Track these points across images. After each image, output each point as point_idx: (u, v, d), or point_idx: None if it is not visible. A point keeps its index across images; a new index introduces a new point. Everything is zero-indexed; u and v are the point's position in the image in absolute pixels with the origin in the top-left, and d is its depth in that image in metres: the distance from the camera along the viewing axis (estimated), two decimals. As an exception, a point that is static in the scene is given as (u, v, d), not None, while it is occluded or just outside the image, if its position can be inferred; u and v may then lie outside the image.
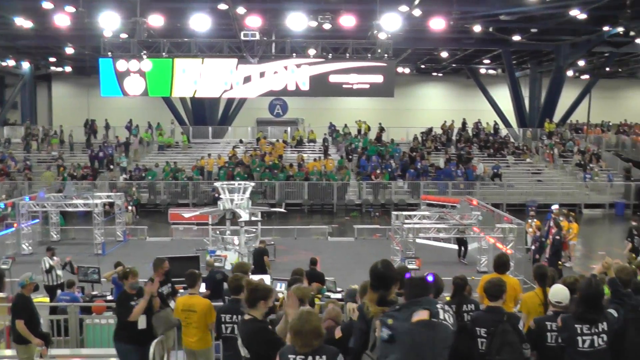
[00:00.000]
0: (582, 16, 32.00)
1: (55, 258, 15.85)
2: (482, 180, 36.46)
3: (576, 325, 6.00)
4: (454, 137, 43.74)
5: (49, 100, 56.92)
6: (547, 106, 45.28)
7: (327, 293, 13.57)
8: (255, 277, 12.21)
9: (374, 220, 30.80)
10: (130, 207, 29.61)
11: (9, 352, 10.27)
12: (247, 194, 21.48)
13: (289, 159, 38.88)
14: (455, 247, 22.55)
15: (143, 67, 29.60)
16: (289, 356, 4.89)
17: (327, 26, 29.68)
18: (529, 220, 22.14)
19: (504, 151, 41.77)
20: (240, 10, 29.58)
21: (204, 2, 30.88)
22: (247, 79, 30.31)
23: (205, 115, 43.70)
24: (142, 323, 8.52)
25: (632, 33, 36.03)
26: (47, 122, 53.22)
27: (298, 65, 30.17)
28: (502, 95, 49.65)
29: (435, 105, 55.13)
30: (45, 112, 56.29)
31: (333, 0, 31.01)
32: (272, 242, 22.35)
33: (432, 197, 29.02)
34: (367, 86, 30.45)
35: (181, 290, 12.60)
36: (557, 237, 19.27)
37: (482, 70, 53.72)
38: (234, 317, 7.35)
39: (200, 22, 29.85)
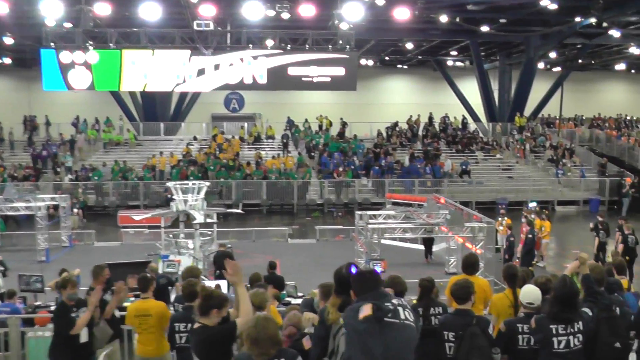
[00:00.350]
0: (553, 6, 32.48)
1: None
2: (450, 178, 36.79)
3: (551, 326, 6.07)
4: (420, 133, 44.05)
5: (-14, 95, 55.77)
6: (518, 100, 45.89)
7: (287, 298, 13.56)
8: (212, 283, 12.19)
9: (336, 221, 30.84)
10: (76, 210, 29.19)
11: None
12: (202, 195, 21.32)
13: (246, 156, 38.72)
14: (422, 247, 22.74)
15: (89, 59, 29.20)
16: (246, 366, 4.88)
17: (285, 16, 29.72)
18: (500, 219, 22.41)
19: (473, 147, 42.22)
20: (193, -2, 29.43)
21: (154, -10, 30.62)
22: (201, 72, 30.12)
23: (157, 110, 43.29)
24: (84, 336, 8.34)
25: (604, 24, 36.61)
26: (-17, 118, 52.13)
27: (255, 57, 30.08)
28: (471, 89, 50.17)
29: (401, 99, 55.42)
30: (-18, 108, 55.12)
31: (292, -12, 31.04)
32: (229, 246, 22.20)
33: (397, 196, 29.14)
34: (328, 79, 30.51)
35: (132, 298, 12.48)
36: (530, 236, 19.57)
37: (449, 63, 54.21)
38: (189, 325, 7.29)
39: (150, 11, 29.57)
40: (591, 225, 21.48)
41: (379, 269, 16.39)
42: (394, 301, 4.77)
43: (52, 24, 29.85)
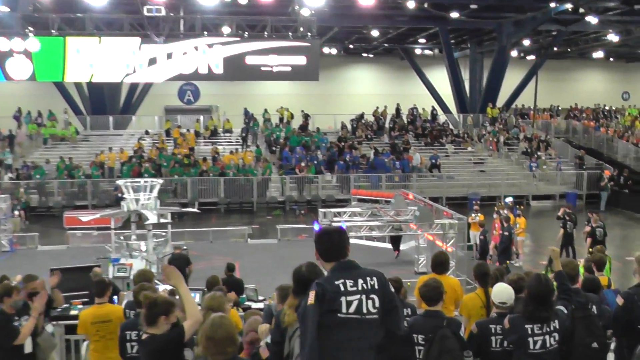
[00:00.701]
0: (527, -9, 32.80)
1: None
2: (418, 172, 37.04)
3: (526, 326, 6.12)
4: (387, 125, 44.26)
5: None
6: (490, 90, 46.34)
7: (247, 302, 13.54)
8: (167, 287, 12.10)
9: (299, 219, 30.89)
10: (17, 212, 28.77)
11: None
12: (155, 193, 21.16)
13: (202, 152, 38.55)
14: (390, 246, 22.89)
15: (29, 47, 28.72)
16: (201, 367, 4.89)
17: (242, 1, 29.58)
18: (473, 215, 22.63)
19: (443, 140, 42.55)
20: (143, -19, 29.16)
21: (100, -27, 30.29)
22: (152, 61, 29.84)
23: (105, 103, 42.79)
24: (28, 346, 8.21)
25: (581, 10, 37.02)
26: None
27: (210, 46, 29.90)
28: (440, 78, 50.48)
29: (366, 90, 55.57)
30: None
31: (249, -30, 30.93)
32: (185, 247, 22.08)
33: (363, 192, 29.21)
34: (289, 69, 30.46)
35: (79, 306, 12.35)
36: (506, 234, 19.77)
37: (418, 51, 54.45)
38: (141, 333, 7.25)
39: (96, -4, 29.25)
40: (559, 213, 21.98)
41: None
42: (360, 283, 4.73)
43: (-13, 9, 29.37)
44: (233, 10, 31.52)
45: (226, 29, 29.95)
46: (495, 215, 22.11)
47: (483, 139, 42.78)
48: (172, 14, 29.59)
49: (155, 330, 5.86)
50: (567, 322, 6.34)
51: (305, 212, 32.77)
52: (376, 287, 4.74)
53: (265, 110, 43.28)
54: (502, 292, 6.82)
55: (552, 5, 36.41)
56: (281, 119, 43.40)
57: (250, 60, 30.14)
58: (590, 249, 19.28)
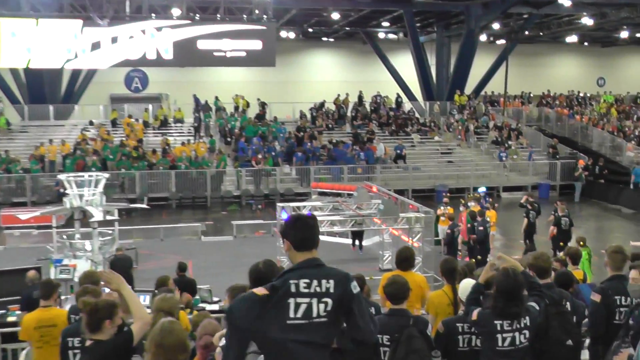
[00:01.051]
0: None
1: None
2: (383, 163, 37.20)
3: (495, 322, 6.15)
4: (349, 114, 44.34)
5: None
6: (458, 76, 46.62)
7: (201, 304, 13.51)
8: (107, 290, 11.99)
9: (256, 215, 30.86)
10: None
11: None
12: (100, 188, 20.99)
13: (151, 143, 38.27)
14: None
15: (-41, 31, 28.28)
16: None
17: (193, -20, 29.36)
18: (442, 207, 22.77)
19: (408, 129, 42.76)
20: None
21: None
22: (96, 46, 29.55)
23: (45, 91, 42.17)
24: None
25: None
26: None
27: (159, 29, 29.71)
28: (405, 64, 50.63)
29: (327, 77, 55.56)
30: None
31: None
32: (134, 246, 21.95)
33: (324, 185, 29.13)
34: (244, 54, 30.42)
35: (17, 312, 12.19)
36: (481, 228, 19.94)
37: (381, 35, 54.55)
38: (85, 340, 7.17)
39: (33, -25, 28.84)
40: (521, 201, 22.45)
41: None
42: (314, 285, 4.65)
43: None
44: (183, -9, 31.32)
45: (176, 11, 29.78)
46: (462, 208, 22.29)
47: (452, 128, 43.05)
48: (117, -5, 29.33)
49: (100, 336, 5.79)
50: (539, 318, 6.38)
51: (262, 207, 32.72)
52: (331, 290, 4.65)
53: (217, 98, 43.02)
54: (469, 288, 6.83)
55: (523, -14, 36.76)
56: (236, 108, 43.22)
57: (202, 44, 30.02)
58: (562, 242, 19.84)
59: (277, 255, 18.55)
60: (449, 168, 38.06)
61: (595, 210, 33.23)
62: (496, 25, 47.20)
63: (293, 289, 4.60)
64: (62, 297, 11.65)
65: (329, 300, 4.63)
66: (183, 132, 40.83)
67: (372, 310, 7.61)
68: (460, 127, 42.55)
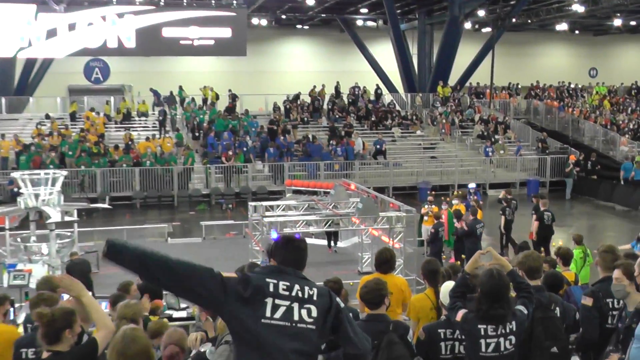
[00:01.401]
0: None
1: None
2: (361, 159, 37.24)
3: (479, 326, 6.16)
4: (325, 106, 44.34)
5: None
6: (441, 66, 46.75)
7: (167, 311, 13.46)
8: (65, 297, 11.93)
9: (226, 215, 30.78)
10: None
11: None
12: (58, 187, 20.85)
13: (113, 138, 38.09)
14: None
15: None
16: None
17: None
18: (426, 206, 22.85)
19: (389, 122, 42.83)
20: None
21: None
22: (52, 33, 29.36)
23: (-4, 82, 41.98)
24: None
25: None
26: None
27: (120, 15, 29.57)
28: (385, 53, 50.73)
29: (301, 67, 55.59)
30: None
31: None
32: (95, 249, 21.81)
33: (299, 182, 29.16)
34: (212, 42, 30.38)
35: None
36: (479, 226, 19.92)
37: (359, 22, 54.64)
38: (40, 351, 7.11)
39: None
40: (499, 196, 22.80)
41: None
42: (296, 289, 4.70)
43: None
44: (146, -25, 31.20)
45: (139, -4, 29.63)
46: (444, 207, 22.36)
47: (436, 121, 43.12)
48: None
49: (59, 347, 5.74)
50: (527, 323, 6.38)
51: (233, 207, 32.66)
52: (315, 298, 4.71)
53: (181, 88, 42.78)
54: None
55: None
56: (205, 100, 43.08)
57: (167, 32, 29.92)
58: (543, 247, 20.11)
59: (249, 257, 18.55)
60: (432, 164, 38.13)
61: (587, 208, 33.46)
62: (482, 12, 47.35)
63: (271, 288, 4.64)
64: (17, 305, 11.57)
65: (313, 307, 4.68)
66: (148, 127, 40.62)
67: (350, 315, 7.65)
68: (443, 121, 42.67)
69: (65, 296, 11.58)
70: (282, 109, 43.04)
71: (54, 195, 20.63)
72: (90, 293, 13.53)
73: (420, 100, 46.52)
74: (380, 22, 54.39)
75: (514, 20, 48.82)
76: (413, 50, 49.38)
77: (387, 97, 47.97)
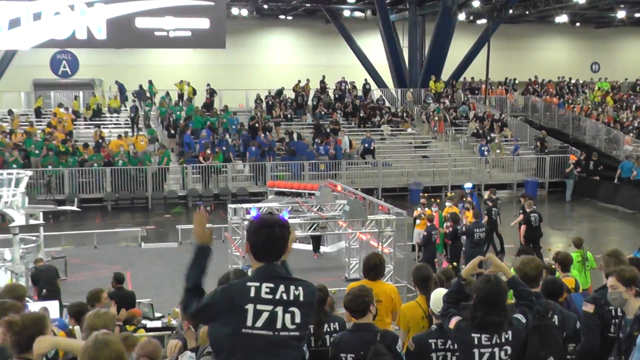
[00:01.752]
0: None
1: None
2: (348, 159, 37.26)
3: (473, 335, 6.15)
4: (310, 102, 44.33)
5: None
6: (433, 60, 46.81)
7: (142, 321, 13.47)
8: (37, 305, 11.90)
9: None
10: None
11: None
12: (22, 188, 20.78)
13: (82, 136, 38.00)
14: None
15: None
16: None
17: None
18: (419, 209, 22.88)
19: (377, 119, 42.85)
20: None
21: None
22: (15, 23, 29.23)
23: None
24: None
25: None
26: None
27: (90, 4, 29.48)
28: (374, 46, 50.82)
29: (285, 60, 55.54)
30: None
31: None
32: (62, 255, 21.74)
33: (281, 184, 29.18)
34: (189, 34, 30.31)
35: None
36: (479, 230, 19.94)
37: (346, 13, 54.57)
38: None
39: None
40: (484, 196, 23.05)
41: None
42: (280, 291, 4.69)
43: None
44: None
45: (110, -16, 29.55)
46: (434, 209, 22.41)
47: (429, 118, 43.13)
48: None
49: (31, 354, 5.75)
50: (524, 332, 6.38)
51: (211, 209, 32.56)
52: (301, 299, 4.70)
53: (151, 83, 42.68)
54: (441, 299, 6.79)
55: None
56: (181, 96, 42.98)
57: (140, 23, 29.83)
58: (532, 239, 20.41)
59: (229, 264, 18.53)
60: (423, 164, 38.20)
61: (589, 211, 33.59)
62: (476, 3, 47.22)
63: (252, 293, 4.62)
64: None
65: (297, 311, 4.66)
66: (120, 124, 40.53)
67: (336, 325, 7.66)
68: (436, 118, 42.71)
69: (31, 305, 11.57)
70: (264, 105, 42.99)
71: (18, 196, 20.54)
72: (58, 302, 13.53)
73: (411, 96, 46.58)
74: (368, 13, 54.36)
75: (510, 11, 48.79)
76: (403, 42, 49.45)
77: (376, 93, 47.97)
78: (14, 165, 31.22)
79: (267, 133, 38.11)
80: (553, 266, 10.87)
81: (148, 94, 42.32)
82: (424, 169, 37.57)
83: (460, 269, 17.86)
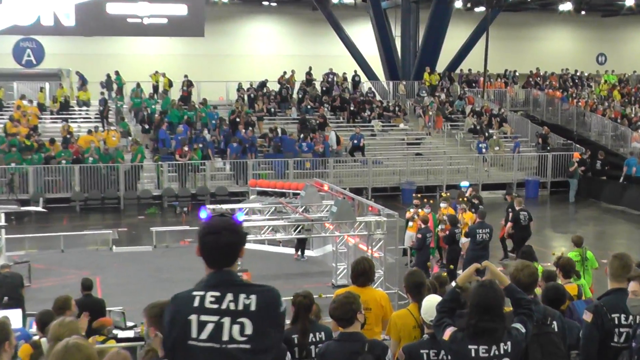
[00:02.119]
0: None
1: None
2: (336, 156, 37.27)
3: (470, 346, 6.13)
4: (295, 95, 44.32)
5: None
6: (427, 50, 46.89)
7: (113, 331, 13.46)
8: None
9: (180, 219, 30.66)
10: None
11: None
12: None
13: (48, 131, 37.92)
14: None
15: None
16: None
17: None
18: (411, 210, 22.90)
19: (367, 114, 42.87)
20: None
21: None
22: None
23: None
24: None
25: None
26: None
27: (58, -12, 29.37)
28: (364, 35, 50.85)
29: (268, 50, 55.57)
30: None
31: None
32: (26, 259, 21.66)
33: (264, 183, 29.20)
34: (165, 21, 30.30)
35: None
36: (483, 230, 19.98)
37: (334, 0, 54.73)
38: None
39: None
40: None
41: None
42: (227, 300, 4.57)
43: None
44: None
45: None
46: (427, 210, 22.42)
47: (425, 112, 43.09)
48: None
49: None
50: (524, 343, 6.36)
51: (188, 210, 32.50)
52: (252, 308, 4.56)
53: (118, 74, 42.49)
54: (433, 306, 6.80)
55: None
56: (155, 88, 42.89)
57: (112, 9, 29.82)
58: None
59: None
60: (416, 162, 38.24)
61: (594, 212, 33.65)
62: (474, -11, 47.55)
63: (196, 302, 4.56)
64: None
65: (247, 322, 4.55)
66: (89, 118, 40.39)
67: (322, 335, 7.66)
68: (430, 113, 42.74)
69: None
70: (245, 97, 42.93)
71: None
72: (20, 310, 13.51)
73: (404, 89, 46.61)
74: (358, 0, 54.37)
75: (510, -1, 49.08)
76: (396, 31, 49.44)
77: (366, 85, 48.01)
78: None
79: (250, 128, 38.01)
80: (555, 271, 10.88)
81: (116, 86, 42.06)
82: (417, 168, 37.60)
83: (457, 274, 17.90)
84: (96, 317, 12.65)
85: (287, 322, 8.19)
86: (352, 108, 43.17)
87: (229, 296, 4.56)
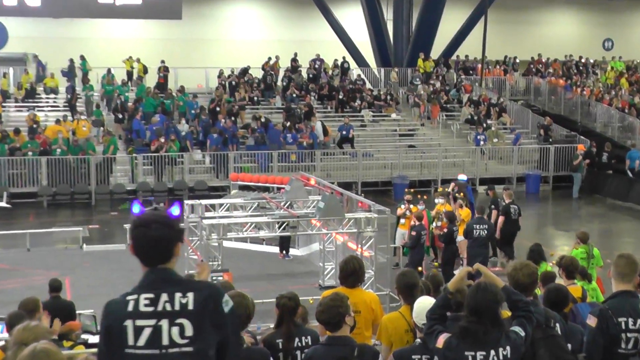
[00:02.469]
0: None
1: None
2: (323, 148, 37.28)
3: (466, 353, 6.15)
4: (279, 83, 44.29)
5: None
6: (421, 35, 46.90)
7: (83, 336, 13.41)
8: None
9: (156, 216, 30.70)
10: None
11: None
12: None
13: (12, 120, 37.91)
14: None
15: None
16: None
17: None
18: (402, 207, 22.93)
19: (357, 103, 42.87)
20: None
21: None
22: None
23: None
24: None
25: None
26: None
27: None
28: (353, 19, 50.87)
29: (251, 34, 55.46)
30: None
31: None
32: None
33: (246, 176, 29.23)
34: (139, 2, 30.21)
35: None
36: (480, 226, 19.99)
37: (322, -20, 54.70)
38: None
39: None
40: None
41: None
42: (162, 301, 4.58)
43: None
44: None
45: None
46: (421, 206, 22.45)
47: (421, 100, 43.10)
48: None
49: None
50: (523, 347, 6.37)
51: (165, 205, 32.51)
52: (190, 307, 4.56)
53: (83, 58, 42.38)
54: (425, 309, 6.84)
55: None
56: (129, 75, 42.81)
57: (82, -12, 29.66)
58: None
59: (185, 268, 18.50)
60: (409, 155, 38.28)
61: (599, 209, 33.74)
62: (471, -30, 47.61)
63: (130, 307, 4.57)
64: None
65: (187, 322, 4.55)
66: (58, 107, 40.31)
67: (308, 340, 7.68)
68: (424, 102, 42.75)
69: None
70: (226, 85, 42.89)
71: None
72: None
73: (396, 76, 46.62)
74: (348, -20, 54.46)
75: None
76: (388, 15, 49.42)
77: (356, 72, 48.00)
78: None
79: (232, 118, 37.94)
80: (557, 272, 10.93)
81: (80, 72, 41.86)
82: (410, 161, 37.66)
83: (452, 274, 17.93)
84: (65, 321, 12.64)
85: (271, 326, 8.24)
86: (340, 97, 43.16)
87: (164, 296, 4.54)
